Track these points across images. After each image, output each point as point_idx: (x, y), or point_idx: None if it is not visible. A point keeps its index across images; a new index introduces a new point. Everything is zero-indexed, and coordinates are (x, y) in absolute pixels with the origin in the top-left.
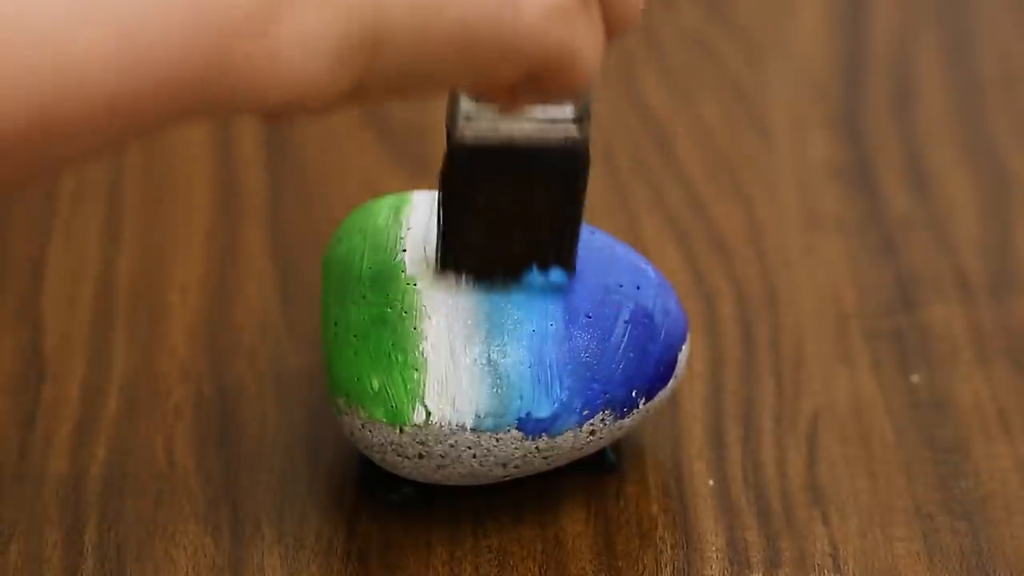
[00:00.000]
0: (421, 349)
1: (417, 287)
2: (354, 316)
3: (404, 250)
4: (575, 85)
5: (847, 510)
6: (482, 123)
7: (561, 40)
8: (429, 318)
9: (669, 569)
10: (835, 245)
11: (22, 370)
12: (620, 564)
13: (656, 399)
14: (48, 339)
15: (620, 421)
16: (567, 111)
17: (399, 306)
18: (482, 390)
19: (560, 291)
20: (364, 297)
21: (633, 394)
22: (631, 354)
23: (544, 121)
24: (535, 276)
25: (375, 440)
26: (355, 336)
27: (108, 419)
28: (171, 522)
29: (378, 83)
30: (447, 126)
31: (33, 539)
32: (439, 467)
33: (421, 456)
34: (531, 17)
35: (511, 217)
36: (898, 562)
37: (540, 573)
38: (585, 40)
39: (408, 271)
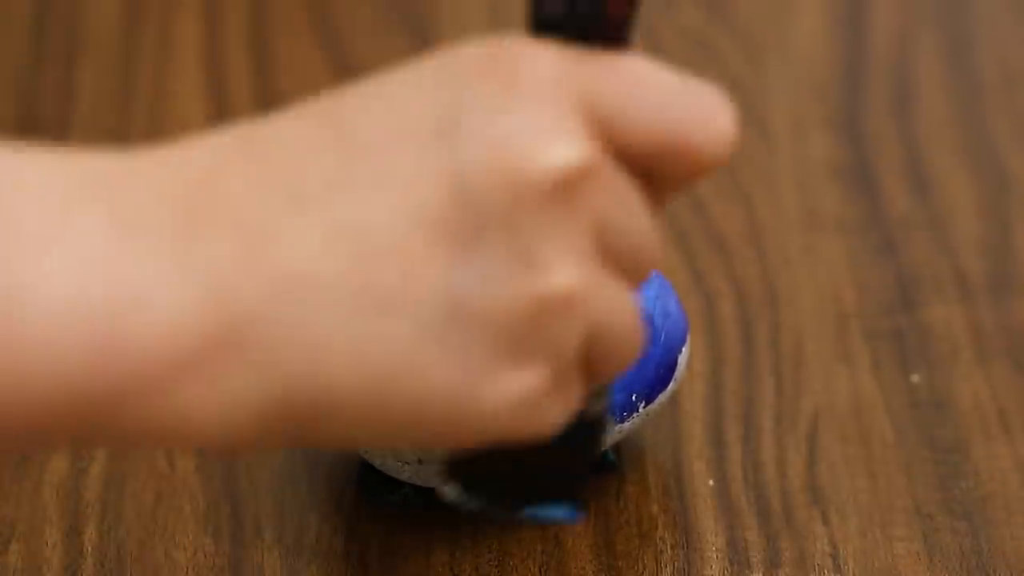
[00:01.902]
0: None
1: None
2: None
3: None
4: (619, 368)
5: (847, 510)
6: None
7: (520, 426)
8: None
9: (669, 569)
10: (835, 245)
11: None
12: (620, 564)
13: (656, 403)
14: None
15: (619, 426)
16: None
17: None
18: (445, 467)
19: (567, 523)
20: None
21: (633, 398)
22: None
23: None
24: (542, 510)
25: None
26: None
27: None
28: (171, 522)
29: (315, 443)
30: None
31: (33, 539)
32: (439, 472)
33: (421, 461)
34: (494, 408)
35: (522, 452)
36: (898, 562)
37: (540, 573)
38: (548, 421)
39: None
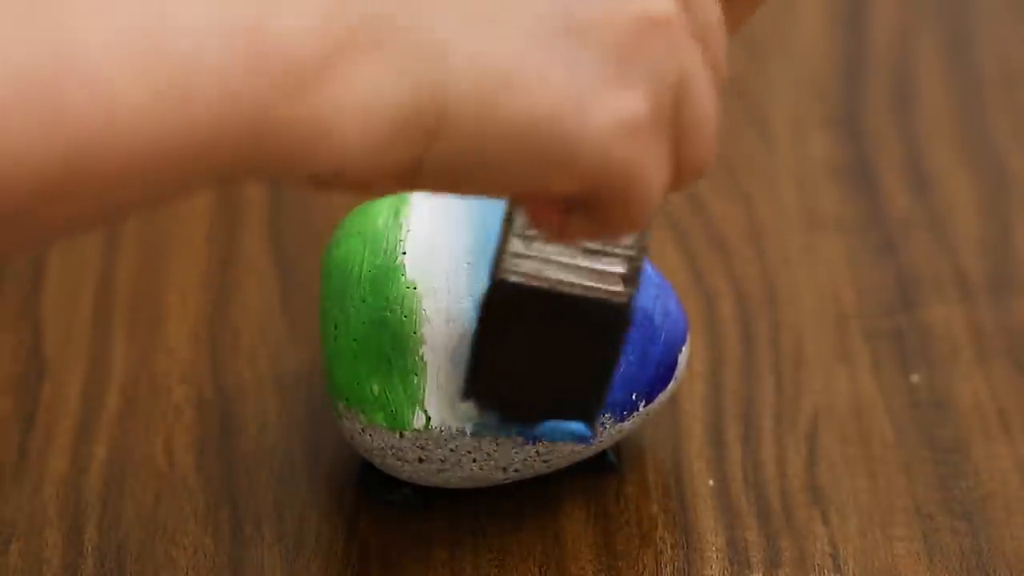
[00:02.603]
0: (421, 353)
1: (417, 291)
2: (354, 320)
3: (404, 253)
4: (631, 218)
5: (847, 510)
6: (529, 265)
7: (626, 159)
8: (429, 322)
9: (669, 569)
10: (835, 245)
11: (22, 370)
12: (620, 564)
13: (656, 402)
14: (48, 339)
15: (620, 424)
16: (617, 266)
17: (399, 310)
18: (465, 376)
19: (580, 442)
20: (364, 301)
21: (633, 397)
22: (631, 357)
23: (592, 273)
24: (556, 425)
25: (375, 444)
26: (355, 340)
27: (108, 419)
28: (171, 522)
29: (435, 167)
30: (493, 261)
31: (33, 539)
32: (439, 471)
33: (421, 460)
34: (599, 126)
35: (543, 362)
36: (898, 562)
37: (540, 573)
38: (651, 167)
39: (408, 275)
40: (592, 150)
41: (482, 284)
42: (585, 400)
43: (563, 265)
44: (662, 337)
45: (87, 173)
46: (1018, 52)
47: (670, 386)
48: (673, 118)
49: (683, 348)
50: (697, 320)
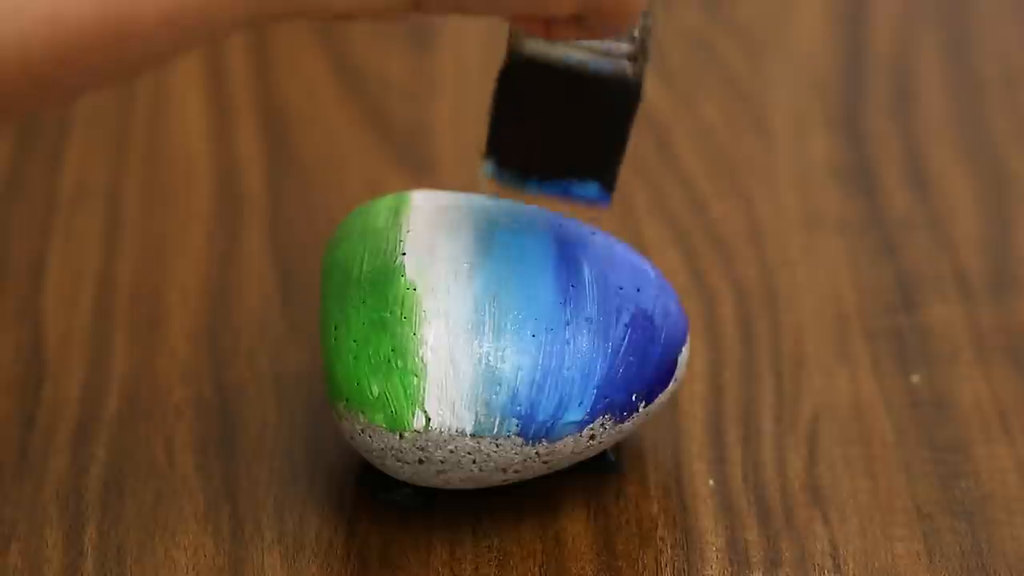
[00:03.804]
0: (421, 354)
1: (417, 291)
2: (354, 320)
3: (404, 253)
4: (618, 28)
5: (847, 510)
6: (541, 44)
7: None
8: (429, 323)
9: (669, 569)
10: (835, 245)
11: (22, 370)
12: (620, 564)
13: (656, 402)
14: (48, 339)
15: (620, 425)
16: (623, 47)
17: (399, 311)
18: (482, 396)
19: (594, 204)
20: (364, 301)
21: (633, 398)
22: (631, 358)
23: (600, 52)
24: (574, 186)
25: (375, 445)
26: (355, 341)
27: (108, 419)
28: (171, 522)
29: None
30: (509, 35)
31: (33, 539)
32: (439, 472)
33: (421, 461)
34: None
35: (558, 129)
36: (898, 562)
37: (540, 573)
38: None
39: (408, 275)
40: None
41: (483, 285)
42: (600, 163)
43: (574, 45)
44: (662, 337)
45: (125, 27)
46: (1018, 52)
47: (670, 386)
48: None
49: (683, 348)
50: (697, 321)
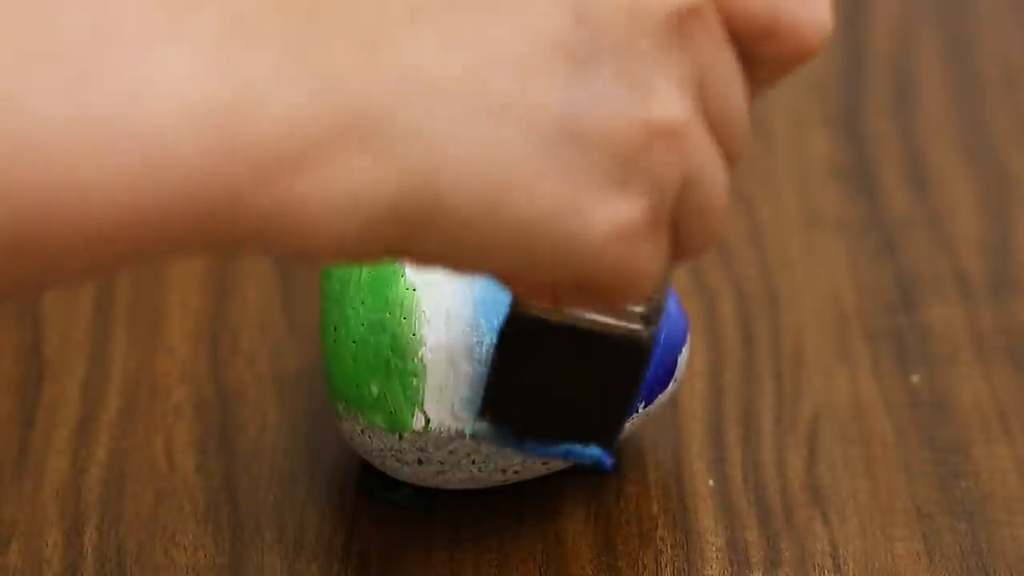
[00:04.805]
0: (420, 355)
1: (416, 292)
2: (353, 321)
3: None
4: (624, 300)
5: (847, 510)
6: None
7: (619, 265)
8: (428, 323)
9: (669, 569)
10: (835, 245)
11: (22, 370)
12: (620, 564)
13: (656, 403)
14: (48, 339)
15: None
16: (636, 308)
17: (398, 312)
18: (482, 396)
19: (596, 467)
20: (363, 302)
21: (628, 416)
22: None
23: (610, 309)
24: (573, 448)
25: (375, 446)
26: (354, 342)
27: (108, 419)
28: (171, 522)
29: (418, 256)
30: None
31: (33, 539)
32: (439, 472)
33: (420, 462)
34: (595, 231)
35: (561, 389)
36: (898, 562)
37: (540, 573)
38: (643, 268)
39: (407, 276)
40: (586, 254)
41: (483, 286)
42: (603, 426)
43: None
44: (662, 337)
45: (36, 244)
46: (1018, 52)
47: (670, 387)
48: (675, 210)
49: (683, 349)
50: (697, 320)
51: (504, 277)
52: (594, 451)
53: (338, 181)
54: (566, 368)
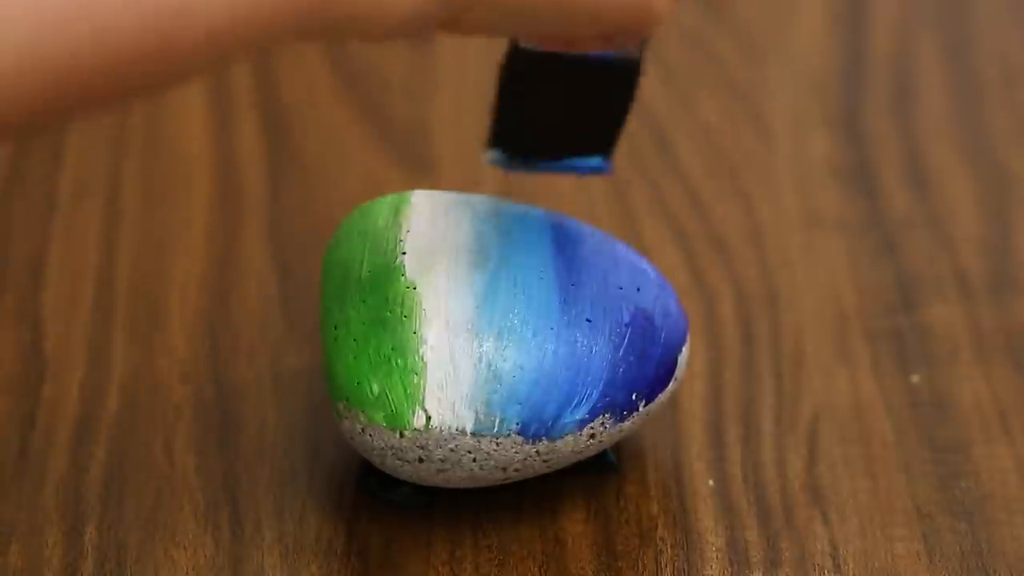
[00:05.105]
0: (421, 353)
1: (417, 290)
2: (354, 320)
3: (404, 253)
4: (640, 37)
5: (847, 510)
6: None
7: (644, 11)
8: (429, 322)
9: (669, 569)
10: (835, 245)
11: (22, 370)
12: (620, 564)
13: (656, 402)
14: (48, 339)
15: (620, 424)
16: None
17: (399, 310)
18: (482, 394)
19: (598, 174)
20: (364, 301)
21: (633, 397)
22: (631, 357)
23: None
24: (577, 160)
25: (375, 444)
26: (355, 340)
27: (108, 419)
28: (171, 522)
29: (472, 22)
30: None
31: (33, 539)
32: (439, 471)
33: (421, 460)
34: None
35: (561, 111)
36: (898, 562)
37: (540, 573)
38: (664, 10)
39: (408, 274)
40: (621, 7)
41: (483, 284)
42: (602, 139)
43: None
44: (662, 337)
45: (171, 46)
46: (1018, 52)
47: (670, 386)
48: None
49: (683, 348)
50: (697, 321)
51: (540, 38)
52: (595, 161)
53: None
54: (565, 91)
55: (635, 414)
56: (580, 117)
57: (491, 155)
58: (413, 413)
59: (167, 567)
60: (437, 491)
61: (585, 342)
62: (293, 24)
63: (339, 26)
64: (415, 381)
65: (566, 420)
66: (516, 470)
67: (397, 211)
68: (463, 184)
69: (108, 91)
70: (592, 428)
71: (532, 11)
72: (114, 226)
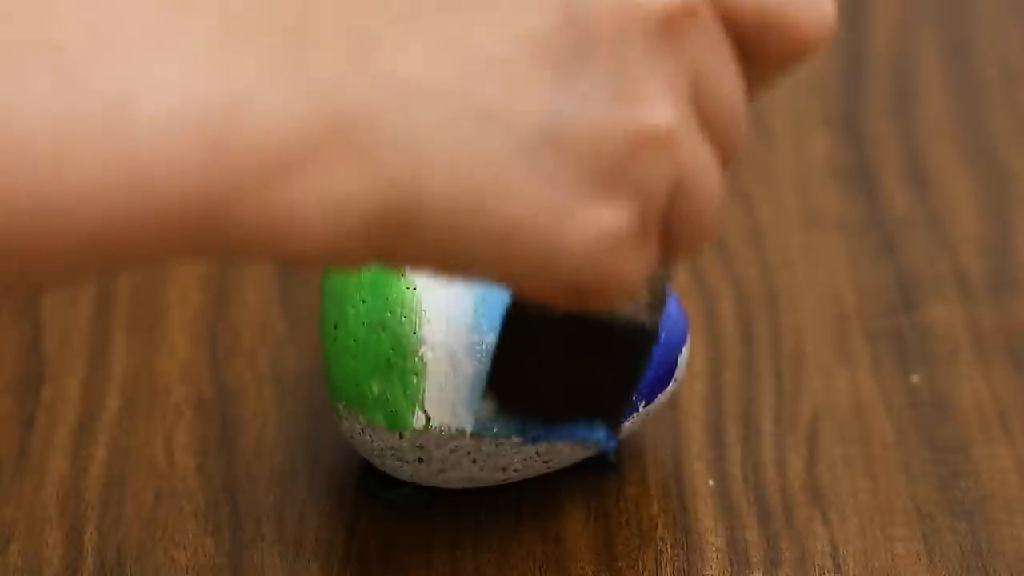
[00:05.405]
0: (421, 354)
1: (416, 291)
2: (353, 320)
3: None
4: (606, 306)
5: (847, 510)
6: None
7: (602, 271)
8: (429, 323)
9: (669, 569)
10: (835, 245)
11: (22, 370)
12: (620, 564)
13: (656, 402)
14: (48, 339)
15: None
16: (642, 292)
17: (399, 310)
18: (486, 382)
19: (600, 447)
20: (363, 301)
21: (633, 397)
22: None
23: None
24: (579, 429)
25: (375, 445)
26: (354, 341)
27: (108, 419)
28: (171, 522)
29: (403, 260)
30: None
31: (33, 539)
32: (439, 471)
33: (421, 461)
34: (574, 243)
35: (566, 374)
36: (898, 562)
37: (540, 573)
38: (628, 274)
39: (408, 275)
40: (568, 263)
41: (483, 287)
42: (607, 410)
43: None
44: (662, 337)
45: (26, 248)
46: (1018, 52)
47: (670, 386)
48: (667, 213)
49: (683, 349)
50: (697, 321)
51: (493, 281)
52: (599, 433)
53: (324, 187)
54: (570, 355)
55: (635, 414)
56: (584, 382)
57: (485, 408)
58: (413, 414)
59: (167, 567)
60: (437, 491)
61: None
62: (178, 235)
63: (244, 245)
64: (415, 382)
65: None
66: (516, 471)
67: None
68: None
69: None
70: None
71: (467, 253)
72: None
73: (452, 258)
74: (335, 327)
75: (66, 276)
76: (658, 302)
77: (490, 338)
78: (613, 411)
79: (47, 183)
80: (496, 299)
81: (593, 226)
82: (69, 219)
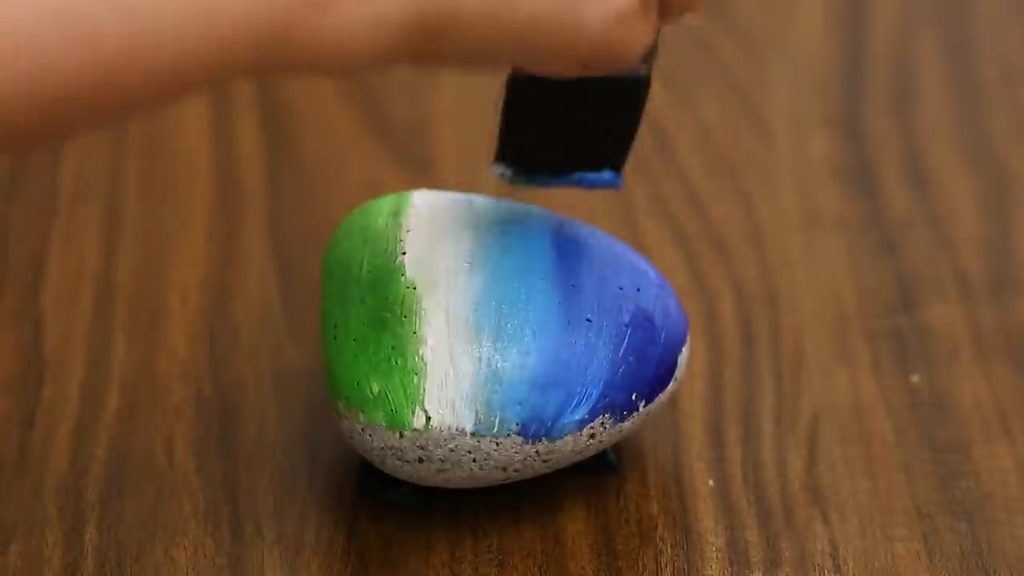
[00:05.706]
0: (421, 353)
1: (417, 290)
2: (354, 320)
3: (404, 253)
4: (615, 70)
5: (847, 510)
6: None
7: (614, 44)
8: (429, 322)
9: (669, 569)
10: (835, 245)
11: (22, 370)
12: (620, 564)
13: (656, 402)
14: (48, 339)
15: (619, 425)
16: None
17: (399, 310)
18: (482, 394)
19: (608, 188)
20: (363, 301)
21: (633, 397)
22: (631, 358)
23: None
24: (586, 174)
25: (375, 444)
26: (355, 340)
27: (108, 419)
28: (171, 522)
29: (437, 59)
30: None
31: (33, 539)
32: (439, 471)
33: (421, 460)
34: (592, 23)
35: (569, 126)
36: (898, 562)
37: (540, 573)
38: (637, 42)
39: (408, 274)
40: (587, 41)
41: (483, 285)
42: (611, 153)
43: None
44: (662, 337)
45: (122, 80)
46: (1018, 52)
47: (670, 386)
48: None
49: (683, 348)
50: (697, 321)
51: (517, 65)
52: (606, 175)
53: (363, 7)
54: (572, 107)
55: (635, 414)
56: (587, 133)
57: (498, 169)
58: (413, 413)
59: (167, 567)
60: (437, 491)
61: (585, 342)
62: (244, 58)
63: (297, 60)
64: (415, 381)
65: (566, 420)
66: (516, 470)
67: (397, 211)
68: (463, 184)
69: (48, 126)
70: (592, 428)
71: (497, 45)
72: (114, 226)
73: (482, 52)
74: (335, 326)
75: (155, 101)
76: (650, 53)
77: (490, 339)
78: (617, 156)
79: (136, 13)
80: (496, 300)
81: (607, 6)
82: (149, 55)
